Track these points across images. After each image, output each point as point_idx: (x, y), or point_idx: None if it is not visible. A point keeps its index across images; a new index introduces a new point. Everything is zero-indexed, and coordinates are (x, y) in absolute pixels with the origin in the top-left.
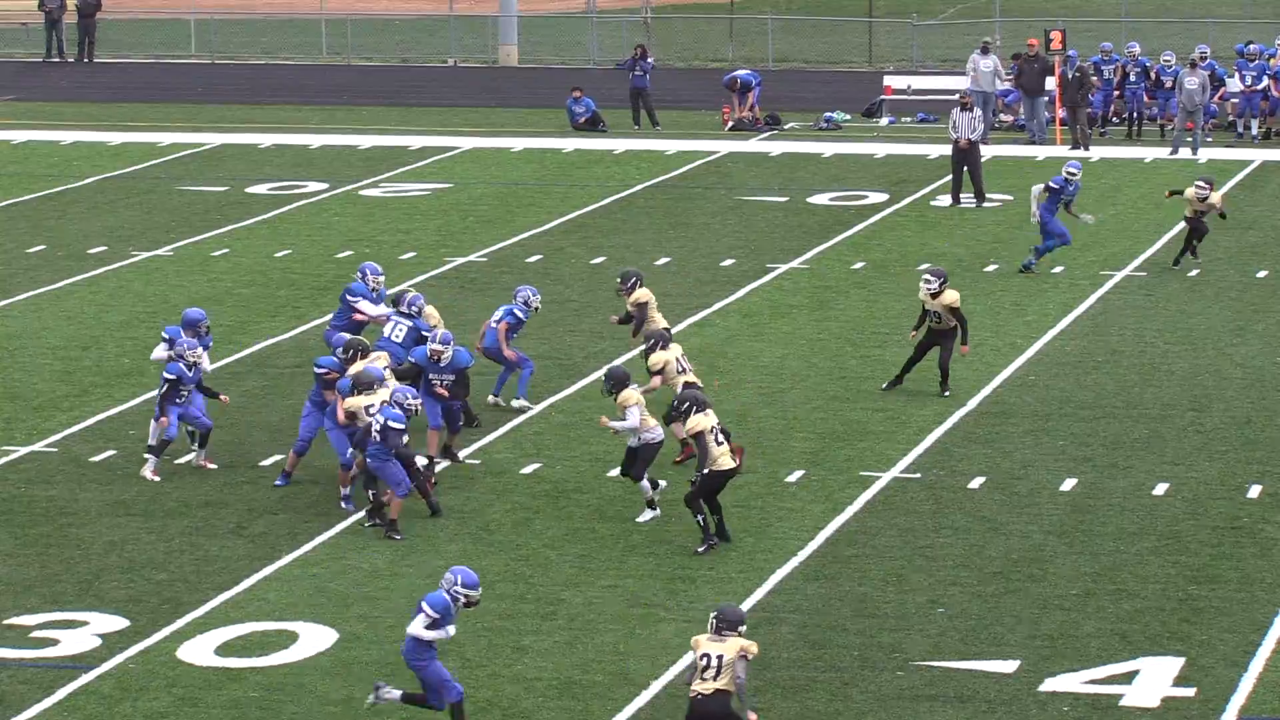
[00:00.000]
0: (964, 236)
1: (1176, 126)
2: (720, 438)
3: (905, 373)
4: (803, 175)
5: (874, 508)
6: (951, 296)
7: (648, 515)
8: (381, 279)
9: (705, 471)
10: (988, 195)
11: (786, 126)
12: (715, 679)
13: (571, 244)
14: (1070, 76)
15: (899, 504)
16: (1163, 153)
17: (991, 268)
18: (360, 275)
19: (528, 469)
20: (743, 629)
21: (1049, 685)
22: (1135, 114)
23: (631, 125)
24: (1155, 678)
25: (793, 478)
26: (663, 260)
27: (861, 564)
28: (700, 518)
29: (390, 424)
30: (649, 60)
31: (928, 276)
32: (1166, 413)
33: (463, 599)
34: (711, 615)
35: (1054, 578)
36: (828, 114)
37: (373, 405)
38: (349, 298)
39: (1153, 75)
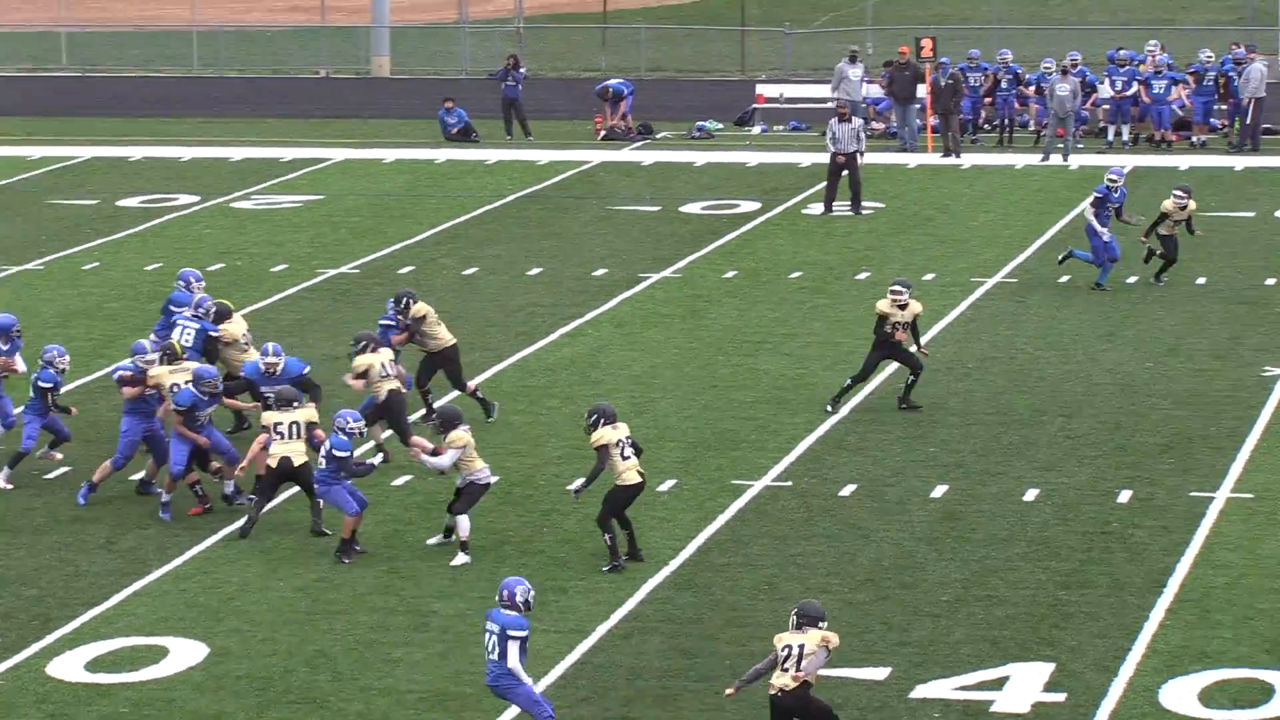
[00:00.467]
0: (836, 245)
1: (1048, 133)
2: (629, 451)
3: (851, 389)
4: (675, 184)
5: (745, 516)
6: (917, 308)
7: (460, 559)
8: (202, 284)
9: (611, 488)
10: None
11: (659, 135)
12: (797, 670)
13: (444, 255)
14: (943, 84)
15: (771, 512)
16: (1034, 159)
17: (863, 275)
18: (183, 284)
19: (399, 481)
20: (824, 624)
21: (920, 692)
22: (1007, 121)
23: (504, 136)
24: (1026, 683)
25: (664, 487)
26: (535, 270)
27: (733, 573)
28: (608, 537)
29: (335, 452)
30: (521, 70)
31: (897, 287)
32: (1037, 419)
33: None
34: (792, 613)
35: (925, 585)
36: (700, 123)
37: (280, 423)
38: (172, 308)
39: (1026, 81)
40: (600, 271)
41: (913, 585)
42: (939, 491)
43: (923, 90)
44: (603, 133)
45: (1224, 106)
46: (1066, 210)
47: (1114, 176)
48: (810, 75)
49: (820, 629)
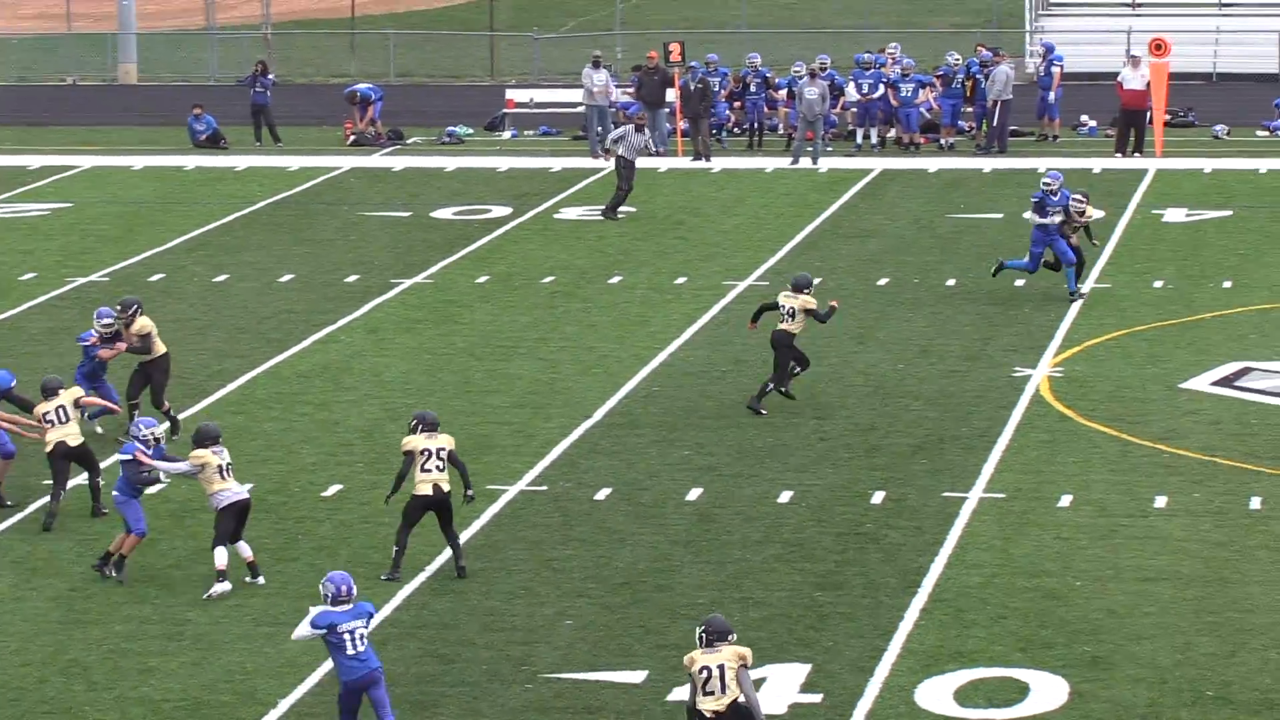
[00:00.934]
0: (588, 249)
1: (797, 136)
2: (432, 463)
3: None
4: (426, 190)
5: (501, 521)
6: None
7: (219, 588)
8: None
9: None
10: (619, 211)
11: (409, 141)
12: (723, 691)
13: (194, 262)
14: (693, 88)
15: (526, 517)
16: (784, 162)
17: (615, 279)
18: None
19: (152, 490)
20: (733, 637)
21: (677, 695)
22: (756, 124)
23: (253, 142)
24: (782, 684)
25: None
26: (286, 277)
27: (489, 577)
28: (396, 549)
29: (119, 457)
30: (270, 76)
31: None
32: (790, 421)
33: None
34: (699, 630)
35: (681, 587)
36: (450, 128)
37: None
38: None
39: (775, 85)
40: (352, 278)
41: (669, 588)
42: (694, 495)
43: (672, 94)
44: (352, 138)
45: (971, 109)
46: (816, 213)
47: (1049, 180)
48: (560, 80)
49: (730, 643)
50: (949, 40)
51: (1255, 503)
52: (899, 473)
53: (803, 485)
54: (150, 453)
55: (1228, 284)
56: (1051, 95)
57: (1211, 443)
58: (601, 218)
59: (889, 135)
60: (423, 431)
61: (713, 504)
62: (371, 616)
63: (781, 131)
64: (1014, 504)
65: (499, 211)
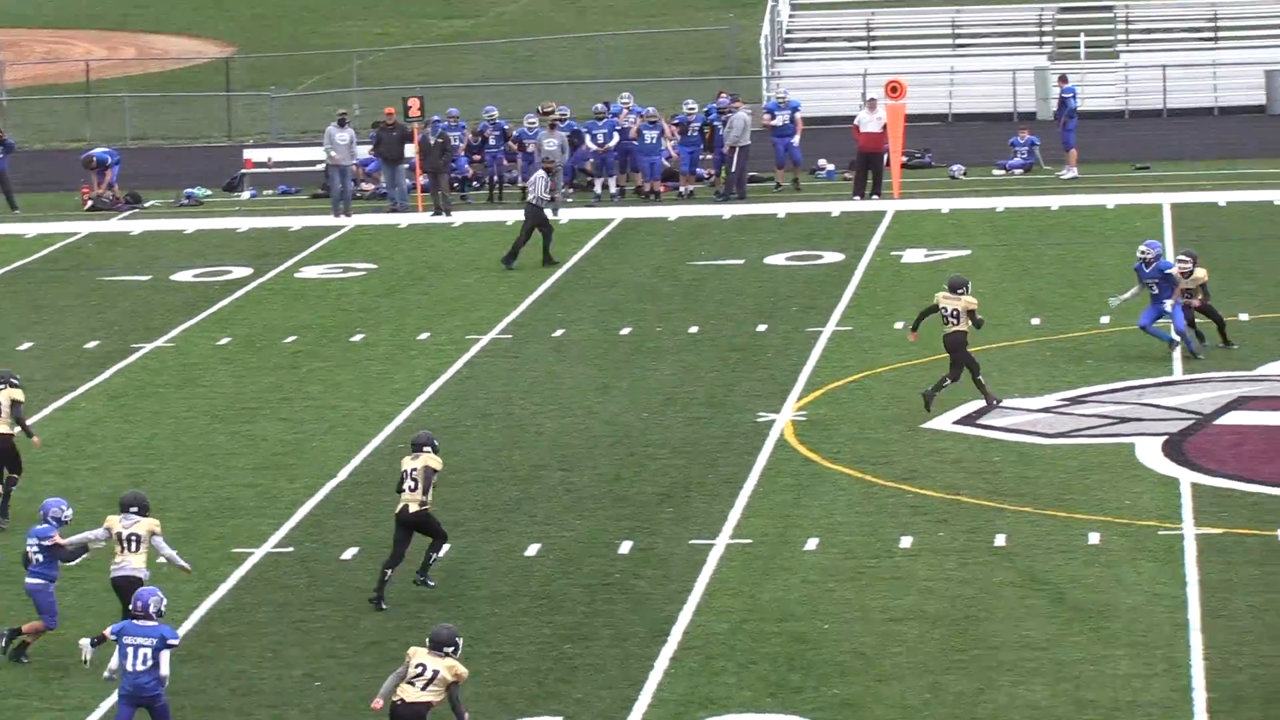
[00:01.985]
0: (330, 308)
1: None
2: (408, 484)
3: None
4: (165, 252)
5: (248, 584)
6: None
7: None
8: None
9: None
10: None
11: (147, 204)
12: (424, 689)
13: None
14: (432, 142)
15: (273, 579)
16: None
17: (358, 337)
18: None
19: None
20: (449, 650)
21: None
22: (496, 177)
23: None
24: None
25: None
26: (25, 345)
27: (238, 641)
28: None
29: (39, 542)
30: (9, 141)
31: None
32: (536, 473)
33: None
34: (429, 636)
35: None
36: (188, 190)
37: None
38: None
39: (513, 137)
40: (91, 344)
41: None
42: (441, 550)
43: (411, 150)
44: (89, 203)
45: (709, 156)
46: (558, 264)
47: (1145, 249)
48: (298, 139)
49: (449, 655)
50: (686, 88)
51: (999, 540)
52: (646, 522)
53: (550, 537)
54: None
55: None
56: (796, 139)
57: (954, 481)
58: (502, 266)
59: (627, 185)
60: (410, 453)
61: (460, 559)
62: (165, 641)
63: (521, 184)
64: (761, 549)
65: (239, 272)
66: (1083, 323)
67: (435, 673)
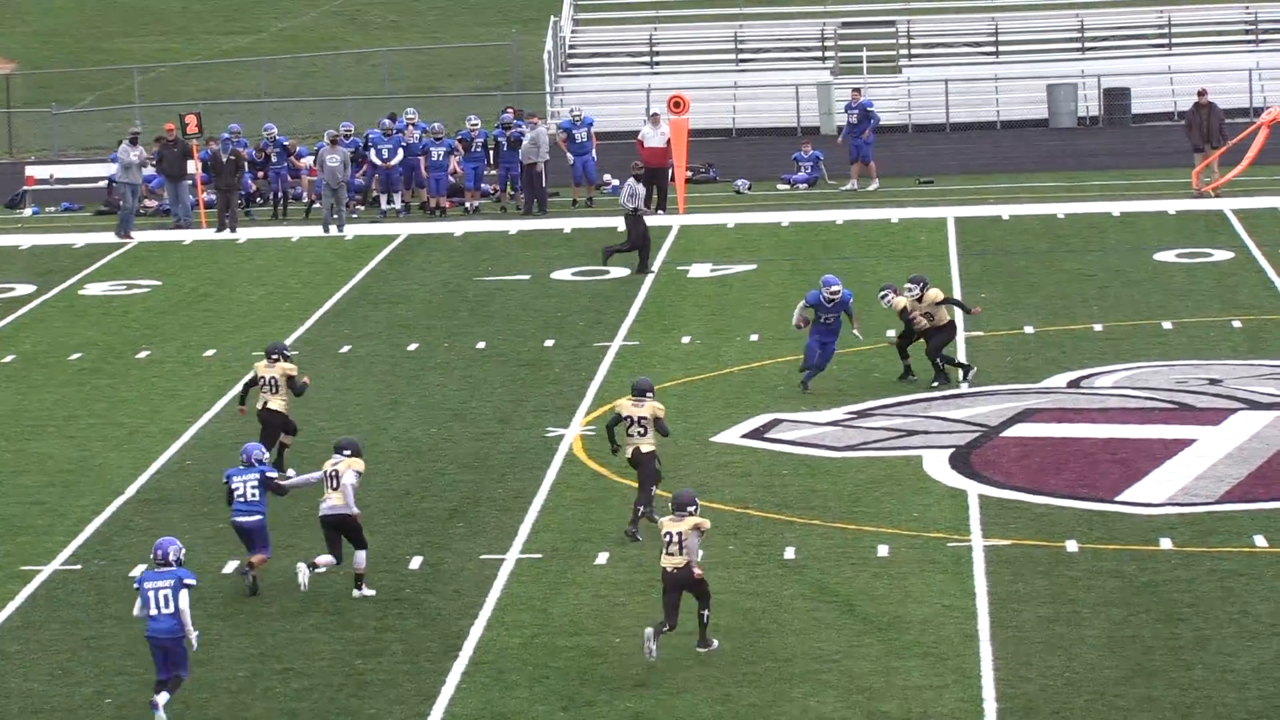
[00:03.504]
0: (114, 325)
1: (323, 204)
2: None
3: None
4: None
5: (37, 602)
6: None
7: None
8: None
9: None
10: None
11: None
12: (680, 552)
13: None
14: (224, 160)
15: (62, 597)
16: (309, 231)
17: (144, 354)
18: None
19: None
20: (691, 509)
21: None
22: (280, 194)
23: None
24: None
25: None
26: None
27: (26, 660)
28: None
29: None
30: None
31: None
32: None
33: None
34: (670, 503)
35: (220, 660)
36: None
37: None
38: None
39: (296, 153)
40: None
41: (208, 662)
42: (230, 567)
43: (193, 166)
44: None
45: (494, 171)
46: (344, 280)
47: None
48: (80, 155)
49: (690, 514)
50: (470, 103)
51: (789, 553)
52: (436, 537)
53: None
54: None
55: (755, 337)
56: (593, 155)
57: (743, 494)
58: (636, 273)
59: (412, 201)
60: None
61: None
62: (182, 582)
63: (305, 200)
64: (552, 563)
65: (23, 290)
66: (869, 337)
67: (680, 534)
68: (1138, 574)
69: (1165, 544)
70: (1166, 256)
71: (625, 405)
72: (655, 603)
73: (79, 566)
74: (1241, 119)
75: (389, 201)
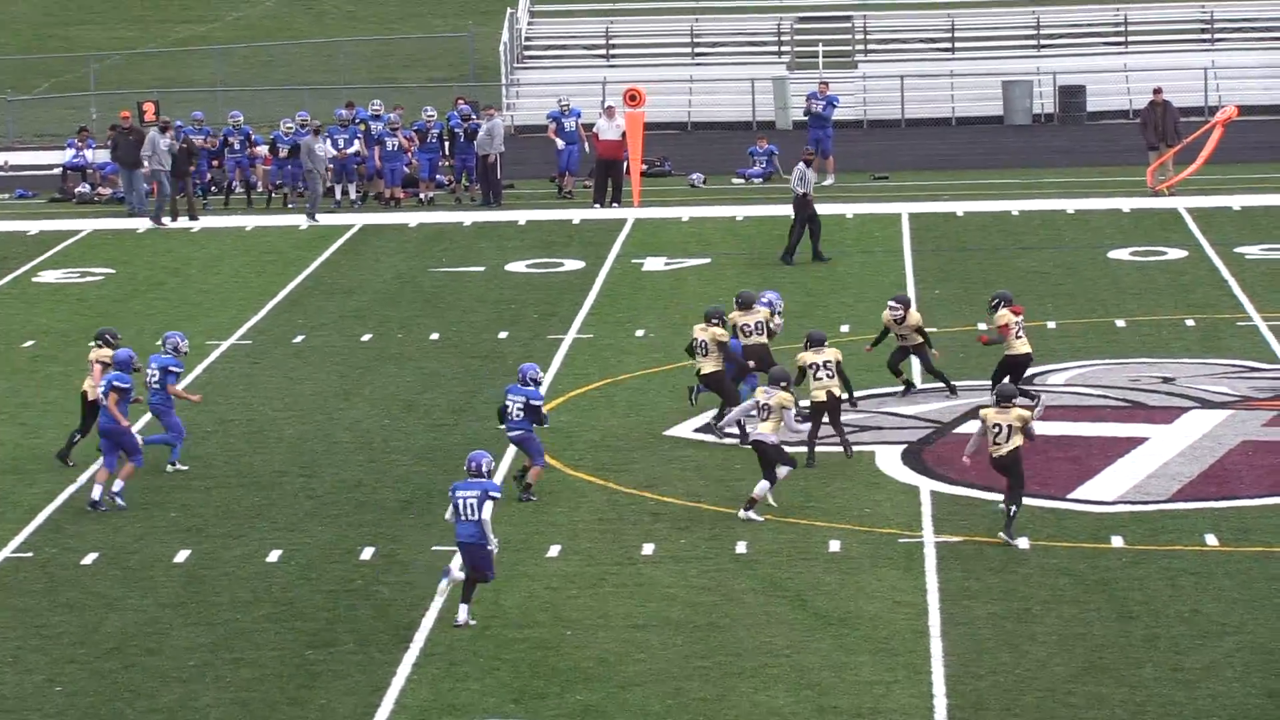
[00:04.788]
0: (68, 312)
1: (309, 193)
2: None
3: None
4: None
5: None
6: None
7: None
8: None
9: None
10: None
11: None
12: (1007, 441)
13: None
14: (178, 148)
15: (13, 584)
16: (265, 220)
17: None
18: None
19: None
20: (1019, 400)
21: None
22: (236, 182)
23: None
24: None
25: None
26: None
27: None
28: None
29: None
30: None
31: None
32: (278, 479)
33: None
34: (993, 394)
35: (171, 650)
36: None
37: None
38: None
39: (255, 142)
40: None
41: (158, 651)
42: (181, 556)
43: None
44: None
45: (449, 163)
46: (299, 270)
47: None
48: (35, 143)
49: (1015, 405)
50: (426, 95)
51: (741, 547)
52: (388, 528)
53: (292, 544)
54: None
55: None
56: (582, 145)
57: (696, 489)
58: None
59: (368, 191)
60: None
61: (201, 566)
62: (488, 494)
63: (261, 190)
64: (503, 555)
65: None
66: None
67: (1009, 426)
68: (1089, 572)
69: (1117, 542)
70: (1121, 254)
71: (807, 356)
72: (607, 595)
73: (30, 554)
74: (1196, 118)
75: (344, 192)
